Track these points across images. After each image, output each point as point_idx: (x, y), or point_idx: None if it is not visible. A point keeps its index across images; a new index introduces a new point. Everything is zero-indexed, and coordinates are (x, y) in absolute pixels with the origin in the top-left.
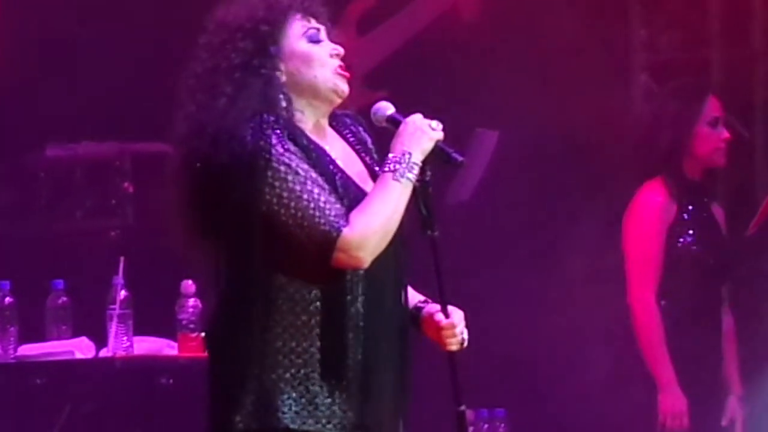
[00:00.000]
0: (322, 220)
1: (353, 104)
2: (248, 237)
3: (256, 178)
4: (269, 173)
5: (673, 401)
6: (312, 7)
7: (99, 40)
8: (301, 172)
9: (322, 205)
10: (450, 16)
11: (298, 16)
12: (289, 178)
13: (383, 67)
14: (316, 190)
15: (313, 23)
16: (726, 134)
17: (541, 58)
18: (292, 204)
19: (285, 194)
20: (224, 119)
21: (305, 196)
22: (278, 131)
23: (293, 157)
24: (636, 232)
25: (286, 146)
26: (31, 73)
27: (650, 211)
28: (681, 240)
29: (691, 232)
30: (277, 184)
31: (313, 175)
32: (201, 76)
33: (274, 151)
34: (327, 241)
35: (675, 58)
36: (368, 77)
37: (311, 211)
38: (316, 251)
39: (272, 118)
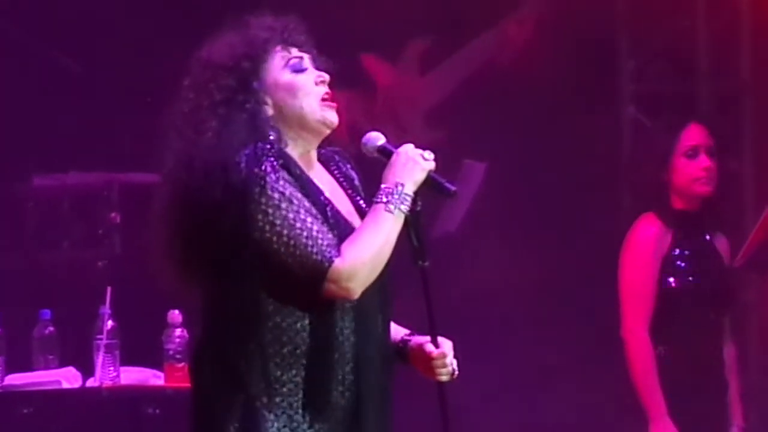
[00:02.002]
0: (315, 249)
1: (415, 141)
2: (239, 264)
3: (249, 205)
4: (263, 200)
5: None
6: (292, 36)
7: (88, 69)
8: (294, 200)
9: (314, 234)
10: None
11: (278, 47)
12: (283, 205)
13: (442, 107)
14: (309, 219)
15: (295, 52)
16: (706, 162)
17: (531, 89)
18: (285, 232)
19: (278, 222)
20: (212, 152)
21: (298, 225)
22: (272, 159)
23: (287, 185)
24: (629, 264)
25: (279, 174)
26: (19, 102)
27: (643, 244)
28: (677, 272)
29: (686, 263)
30: (270, 211)
31: (306, 204)
32: (186, 115)
33: (268, 179)
34: (318, 271)
35: (663, 90)
36: (428, 116)
37: (304, 240)
38: (306, 280)
39: (267, 146)
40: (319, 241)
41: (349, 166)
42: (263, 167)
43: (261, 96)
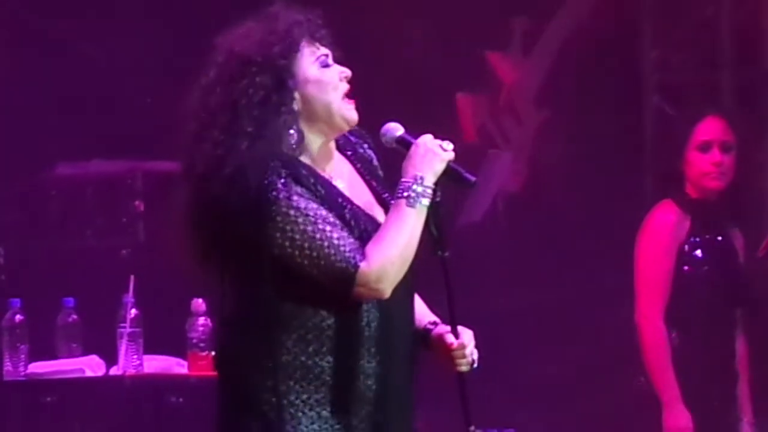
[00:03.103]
0: (338, 257)
1: (528, 129)
2: (260, 273)
3: (266, 225)
4: (279, 218)
5: (677, 419)
6: (317, 32)
7: (110, 58)
8: (310, 212)
9: (336, 242)
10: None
11: (306, 42)
12: (300, 220)
13: (546, 86)
14: (328, 228)
15: (321, 49)
16: (717, 157)
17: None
18: (306, 245)
19: (297, 236)
20: (245, 158)
21: (318, 236)
22: (282, 176)
23: (300, 199)
24: (646, 250)
25: (292, 189)
26: (42, 91)
27: (661, 230)
28: (692, 260)
29: (702, 252)
30: (288, 228)
31: (323, 213)
32: (215, 112)
33: (281, 196)
34: (345, 277)
35: (686, 79)
36: (536, 99)
37: (326, 250)
38: (335, 288)
39: (276, 163)
40: (341, 248)
41: (366, 145)
42: (274, 186)
43: (292, 93)
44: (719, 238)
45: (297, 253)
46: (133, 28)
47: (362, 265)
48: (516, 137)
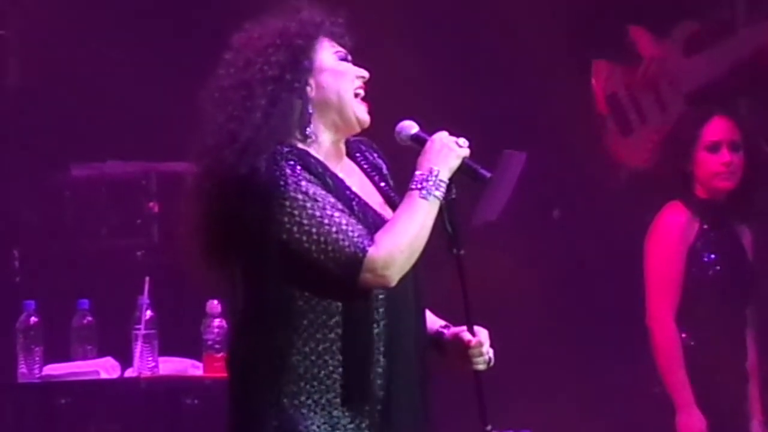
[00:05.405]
0: (347, 242)
1: (669, 110)
2: (267, 265)
3: (274, 209)
4: (287, 203)
5: (691, 421)
6: (339, 31)
7: (125, 59)
8: (318, 198)
9: (344, 227)
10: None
11: (326, 39)
12: (308, 205)
13: (705, 90)
14: (336, 214)
15: (340, 49)
16: (726, 157)
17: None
18: (314, 230)
19: (305, 221)
20: (258, 132)
21: (326, 221)
22: (291, 162)
23: (309, 185)
24: (656, 251)
25: (300, 175)
26: (57, 92)
27: (671, 231)
28: (701, 262)
29: (712, 251)
30: (296, 213)
31: (331, 199)
32: (229, 90)
33: (290, 181)
34: (353, 262)
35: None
36: (690, 95)
37: (334, 235)
38: (342, 274)
39: (286, 149)
40: (350, 233)
41: (376, 155)
42: (283, 170)
43: (308, 76)
44: (728, 236)
45: (305, 238)
46: (149, 28)
47: (370, 250)
48: (655, 118)
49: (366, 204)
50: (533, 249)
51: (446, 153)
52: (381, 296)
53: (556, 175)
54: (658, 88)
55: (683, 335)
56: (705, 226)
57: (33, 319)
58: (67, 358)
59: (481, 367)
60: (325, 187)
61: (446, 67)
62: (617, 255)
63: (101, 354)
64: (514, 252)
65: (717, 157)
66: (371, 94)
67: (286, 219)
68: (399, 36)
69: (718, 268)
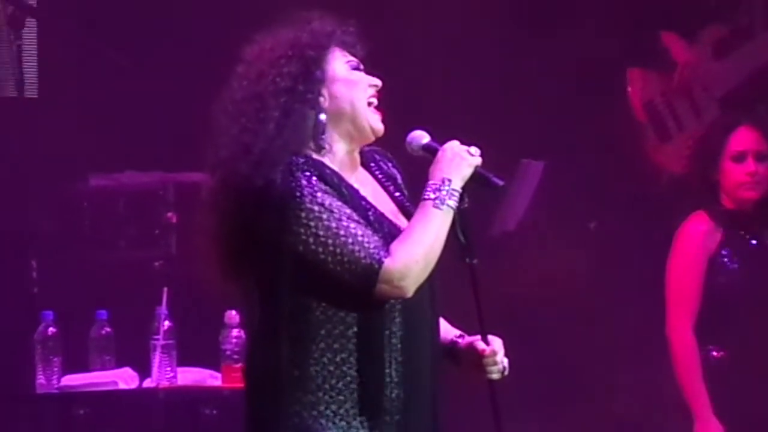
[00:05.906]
0: (362, 254)
1: (703, 116)
2: (284, 278)
3: (290, 221)
4: (303, 214)
5: (709, 430)
6: (351, 41)
7: (142, 70)
8: (334, 209)
9: (360, 238)
10: None
11: (338, 48)
12: (324, 216)
13: (737, 94)
14: (352, 225)
15: (352, 59)
16: (752, 167)
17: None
18: (330, 241)
19: (321, 233)
20: (271, 144)
21: (342, 232)
22: (307, 173)
23: (325, 196)
24: (675, 262)
25: (316, 186)
26: (75, 102)
27: (691, 242)
28: (726, 272)
29: (735, 263)
30: (312, 224)
31: (347, 210)
32: (242, 102)
33: (305, 192)
34: (369, 274)
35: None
36: (723, 100)
37: (350, 246)
38: (359, 285)
39: (301, 160)
40: (366, 245)
41: (390, 164)
42: (299, 182)
43: (320, 87)
44: (753, 245)
45: (321, 249)
46: (168, 40)
47: (387, 261)
48: (691, 124)
49: (382, 214)
50: (570, 258)
51: (458, 162)
52: (398, 306)
53: (599, 185)
54: (692, 93)
55: (710, 347)
56: (729, 236)
57: (51, 329)
58: (85, 368)
59: (496, 376)
60: (341, 197)
61: (481, 78)
62: (658, 262)
63: (119, 364)
64: (551, 260)
65: (742, 167)
66: (394, 104)
67: (302, 230)
68: (429, 44)
69: (742, 278)
